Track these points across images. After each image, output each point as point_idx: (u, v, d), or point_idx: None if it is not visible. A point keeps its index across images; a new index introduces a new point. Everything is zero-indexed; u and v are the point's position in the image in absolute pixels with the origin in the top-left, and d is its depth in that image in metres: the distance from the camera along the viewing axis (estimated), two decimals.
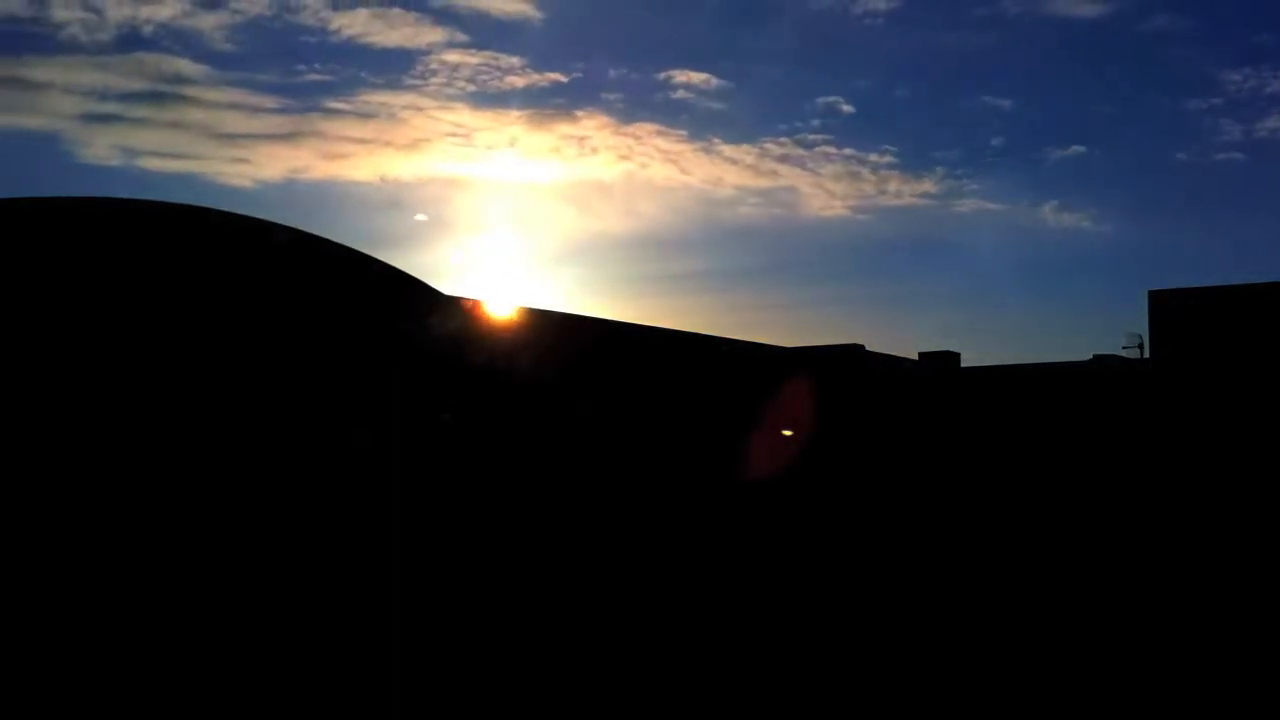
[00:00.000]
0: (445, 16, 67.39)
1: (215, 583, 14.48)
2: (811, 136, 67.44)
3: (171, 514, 14.88)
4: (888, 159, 69.98)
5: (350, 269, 18.72)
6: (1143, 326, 33.80)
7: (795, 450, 26.13)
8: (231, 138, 58.47)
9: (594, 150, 63.71)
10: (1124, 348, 34.93)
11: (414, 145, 62.36)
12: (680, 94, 64.93)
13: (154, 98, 57.16)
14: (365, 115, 62.03)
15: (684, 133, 69.49)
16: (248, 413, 16.02)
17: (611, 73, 67.10)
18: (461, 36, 64.26)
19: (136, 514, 14.65)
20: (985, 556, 25.82)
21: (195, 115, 60.24)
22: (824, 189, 66.45)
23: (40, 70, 54.76)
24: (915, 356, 35.42)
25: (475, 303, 20.75)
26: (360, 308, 18.36)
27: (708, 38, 65.72)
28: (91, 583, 13.74)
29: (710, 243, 68.50)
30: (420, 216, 59.44)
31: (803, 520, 25.05)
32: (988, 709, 12.53)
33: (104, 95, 58.69)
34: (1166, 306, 32.63)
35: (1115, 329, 62.74)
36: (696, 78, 64.94)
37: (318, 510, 16.18)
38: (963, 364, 35.66)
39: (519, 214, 61.36)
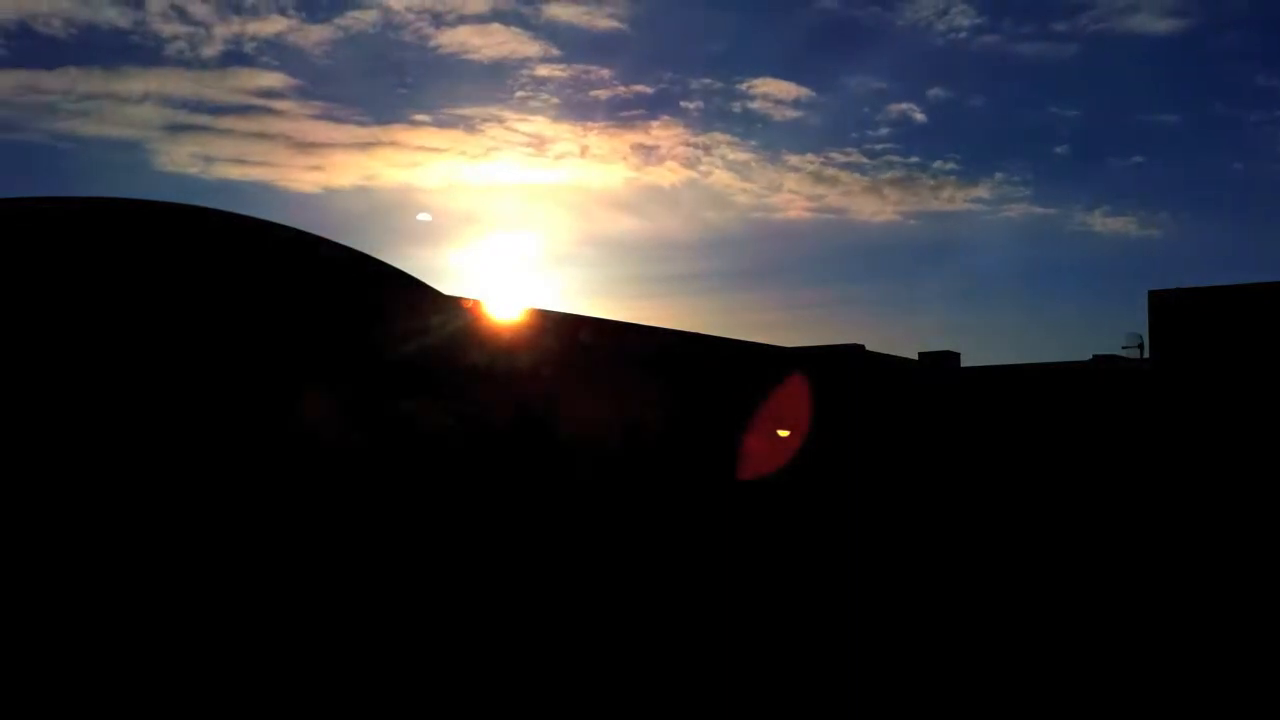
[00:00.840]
0: (543, 31, 68.18)
1: (213, 582, 14.50)
2: (879, 145, 68.06)
3: (170, 514, 14.89)
4: (950, 166, 70.49)
5: (350, 268, 18.74)
6: (1142, 326, 33.83)
7: (795, 450, 26.14)
8: (310, 146, 59.36)
9: (660, 159, 65.22)
10: (1124, 348, 34.94)
11: (485, 154, 62.83)
12: (759, 104, 65.59)
13: (241, 110, 57.87)
14: (445, 126, 63.68)
15: (755, 141, 70.09)
16: (247, 412, 16.03)
17: (694, 83, 67.70)
18: (555, 51, 64.94)
19: (135, 514, 14.65)
20: (985, 556, 25.82)
21: (279, 126, 61.27)
22: (879, 195, 67.47)
23: (136, 82, 55.49)
24: (915, 356, 35.44)
25: (475, 303, 20.75)
26: (359, 307, 18.37)
27: (796, 49, 67.01)
28: (95, 583, 13.75)
29: (744, 246, 69.17)
30: (423, 216, 59.63)
31: (802, 520, 25.05)
32: (989, 710, 12.53)
33: (195, 107, 61.15)
34: (1166, 306, 32.64)
35: (1115, 329, 63.31)
36: (777, 87, 65.33)
37: (316, 510, 16.18)
38: (963, 364, 35.68)
39: (575, 219, 63.02)
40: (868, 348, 32.47)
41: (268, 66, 58.56)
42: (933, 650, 15.36)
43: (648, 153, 65.86)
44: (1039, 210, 67.98)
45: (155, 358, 15.74)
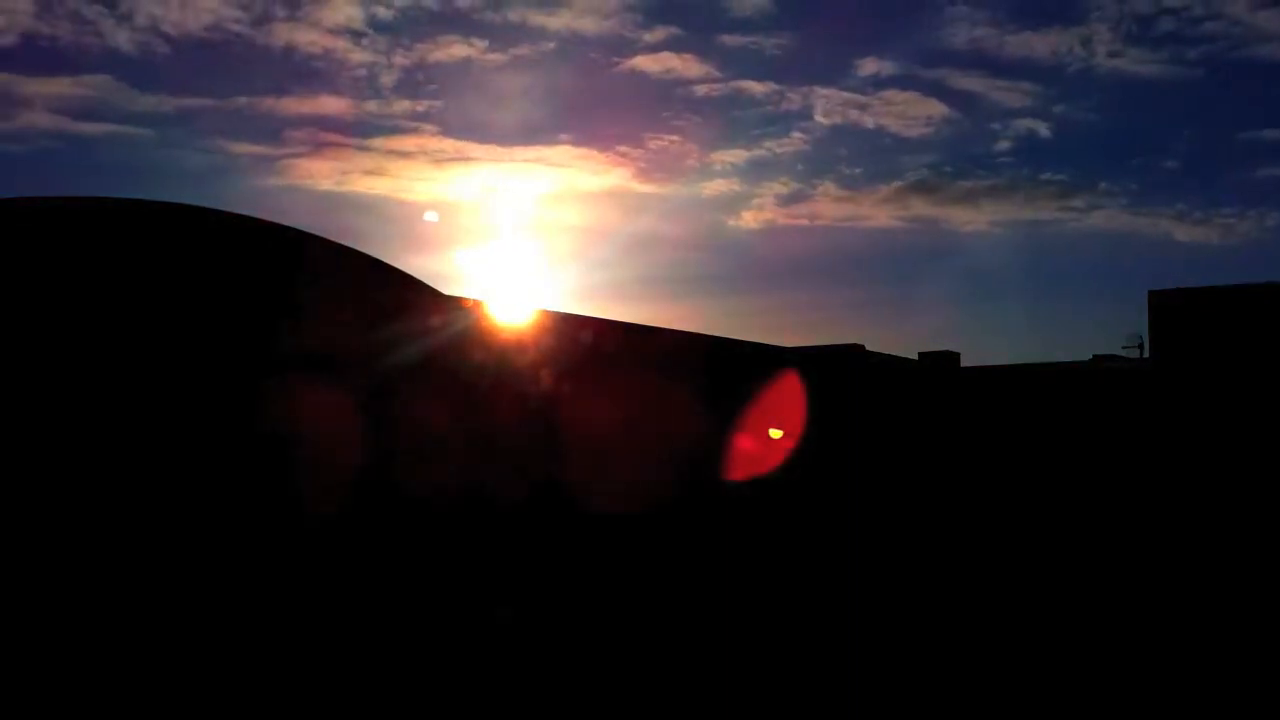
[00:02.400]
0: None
1: (213, 583, 14.46)
2: (1001, 159, 68.64)
3: (169, 515, 14.84)
4: (1059, 177, 71.03)
5: (350, 268, 18.67)
6: (1142, 326, 33.81)
7: (795, 450, 26.10)
8: (447, 162, 60.67)
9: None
10: (1124, 348, 34.93)
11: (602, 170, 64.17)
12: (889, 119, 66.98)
13: (390, 130, 60.17)
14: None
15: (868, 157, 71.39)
16: (247, 412, 15.98)
17: (834, 94, 68.20)
18: (714, 71, 65.95)
19: (135, 515, 14.60)
20: (985, 556, 25.81)
21: (423, 144, 62.31)
22: (976, 206, 68.16)
23: (298, 105, 57.79)
24: (915, 356, 35.40)
25: (477, 303, 20.71)
26: (360, 307, 18.31)
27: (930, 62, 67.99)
28: (98, 584, 13.72)
29: (831, 251, 69.26)
30: (430, 215, 59.87)
31: (802, 520, 25.03)
32: (989, 710, 12.51)
33: (345, 128, 63.36)
34: (1166, 306, 32.62)
35: (1115, 329, 63.61)
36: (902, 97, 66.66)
37: (317, 511, 16.14)
38: (963, 364, 35.65)
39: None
40: (867, 348, 32.45)
41: (432, 94, 60.52)
42: (933, 650, 15.35)
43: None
44: (1125, 217, 68.54)
45: (155, 357, 15.69)
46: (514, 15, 62.51)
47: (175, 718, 11.87)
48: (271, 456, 15.87)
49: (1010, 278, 68.28)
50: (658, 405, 22.46)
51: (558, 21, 62.27)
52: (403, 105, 64.41)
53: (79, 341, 15.06)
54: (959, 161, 68.87)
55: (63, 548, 13.75)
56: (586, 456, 20.23)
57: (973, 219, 67.78)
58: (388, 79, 60.97)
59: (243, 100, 62.04)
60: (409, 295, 19.28)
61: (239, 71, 60.52)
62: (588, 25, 62.62)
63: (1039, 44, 67.20)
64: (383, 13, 60.39)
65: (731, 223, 66.05)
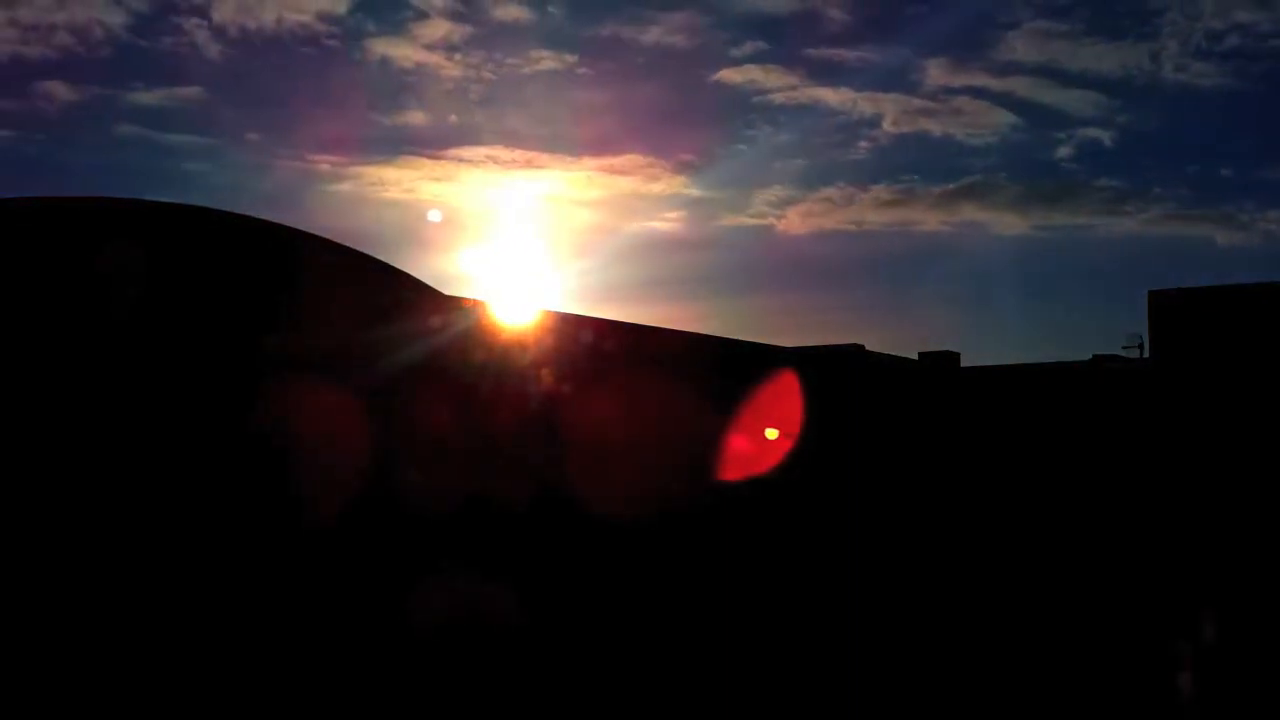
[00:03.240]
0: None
1: (213, 583, 14.44)
2: (1061, 165, 70.09)
3: (169, 515, 14.82)
4: (1113, 184, 71.98)
5: (349, 268, 18.66)
6: (1142, 326, 33.80)
7: (794, 450, 26.09)
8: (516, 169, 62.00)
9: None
10: (1124, 348, 34.92)
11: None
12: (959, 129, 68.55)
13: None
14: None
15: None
16: (243, 412, 15.96)
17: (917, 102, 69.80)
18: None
19: (131, 516, 14.58)
20: (985, 556, 25.79)
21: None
22: (1023, 212, 70.51)
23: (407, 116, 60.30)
24: (915, 356, 35.39)
25: (478, 303, 20.70)
26: (358, 306, 18.29)
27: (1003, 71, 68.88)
28: (102, 585, 13.70)
29: (883, 254, 70.05)
30: (434, 215, 60.62)
31: (802, 520, 25.01)
32: (990, 709, 12.50)
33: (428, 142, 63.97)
34: (1166, 306, 32.61)
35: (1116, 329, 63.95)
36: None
37: (317, 512, 16.12)
38: (963, 364, 35.64)
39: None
40: (867, 347, 32.45)
41: (512, 107, 63.26)
42: (934, 650, 15.34)
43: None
44: (1165, 224, 69.52)
45: (154, 357, 15.67)
46: (606, 30, 66.36)
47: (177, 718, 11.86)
48: (268, 458, 15.85)
49: (1038, 280, 70.09)
50: (661, 405, 22.47)
51: (649, 37, 64.62)
52: (482, 117, 67.07)
53: (78, 341, 15.04)
54: (1017, 168, 70.10)
55: (63, 548, 13.73)
56: (590, 457, 20.24)
57: (1016, 224, 68.86)
58: (473, 92, 62.49)
59: (328, 111, 65.18)
60: (408, 295, 19.26)
61: (329, 83, 63.25)
62: (679, 40, 64.45)
63: (1109, 56, 69.14)
64: (479, 30, 62.47)
65: (781, 227, 67.22)
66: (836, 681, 13.40)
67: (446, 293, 20.33)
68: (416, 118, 63.06)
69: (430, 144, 73.13)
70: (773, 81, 66.99)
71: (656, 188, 66.27)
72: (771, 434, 25.95)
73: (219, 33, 59.20)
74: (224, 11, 59.54)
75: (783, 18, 67.59)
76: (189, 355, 15.87)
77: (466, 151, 65.13)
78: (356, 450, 16.67)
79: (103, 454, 14.59)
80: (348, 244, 18.76)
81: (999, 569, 24.32)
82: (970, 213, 69.67)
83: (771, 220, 67.46)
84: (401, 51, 65.17)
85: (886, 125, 67.72)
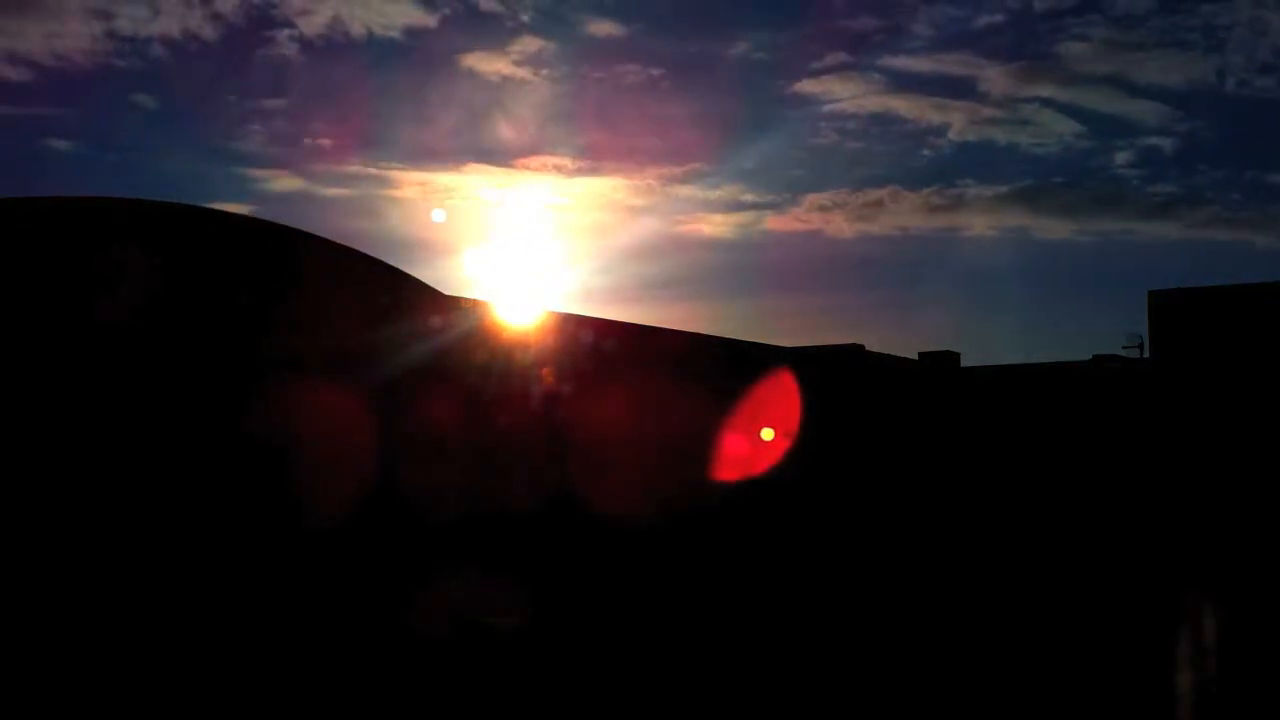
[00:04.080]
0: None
1: (214, 583, 14.45)
2: (1118, 172, 69.93)
3: (169, 517, 14.83)
4: (1166, 188, 72.01)
5: (351, 268, 18.67)
6: (1142, 326, 33.81)
7: (794, 450, 26.10)
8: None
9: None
10: (1124, 347, 34.92)
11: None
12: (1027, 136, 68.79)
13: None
14: None
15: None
16: (246, 412, 15.96)
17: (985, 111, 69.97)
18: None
19: (136, 514, 14.59)
20: (985, 556, 25.78)
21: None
22: (1065, 215, 69.83)
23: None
24: (915, 356, 35.39)
25: (478, 303, 20.72)
26: (359, 306, 18.30)
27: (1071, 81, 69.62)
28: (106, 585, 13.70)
29: (930, 254, 70.53)
30: (438, 215, 61.31)
31: (802, 520, 25.02)
32: (990, 709, 12.48)
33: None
34: (1166, 306, 32.62)
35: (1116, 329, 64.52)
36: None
37: (318, 513, 16.13)
38: (963, 364, 35.65)
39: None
40: (867, 348, 32.45)
41: (587, 118, 64.75)
42: (934, 650, 15.32)
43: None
44: (1206, 230, 69.31)
45: (154, 357, 15.67)
46: (693, 46, 67.20)
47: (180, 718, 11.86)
48: (270, 454, 15.86)
49: (1063, 282, 70.80)
50: (661, 405, 22.49)
51: (735, 50, 66.00)
52: (557, 128, 68.81)
53: (79, 341, 15.05)
54: (1073, 174, 71.00)
55: (65, 548, 13.74)
56: (589, 455, 20.29)
57: (1058, 228, 69.74)
58: (550, 104, 64.41)
59: (405, 122, 66.08)
60: (409, 295, 19.28)
61: (413, 94, 64.57)
62: (763, 54, 66.23)
63: (1175, 69, 69.88)
64: (568, 45, 63.95)
65: (829, 230, 68.35)
66: (837, 679, 13.41)
67: (453, 295, 20.39)
68: (493, 128, 64.45)
69: (501, 153, 74.87)
70: (847, 91, 68.70)
71: (715, 194, 68.73)
72: (767, 434, 25.95)
73: (306, 44, 61.22)
74: (312, 24, 61.39)
75: (866, 31, 68.82)
76: (193, 355, 15.88)
77: (535, 160, 66.30)
78: (360, 449, 16.70)
79: (104, 454, 14.59)
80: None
81: (999, 567, 24.32)
82: (1017, 217, 70.73)
83: (819, 225, 68.81)
84: (491, 65, 67.08)
85: (952, 133, 69.32)
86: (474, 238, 64.62)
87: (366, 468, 16.70)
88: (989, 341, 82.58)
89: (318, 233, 18.45)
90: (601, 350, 21.87)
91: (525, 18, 64.38)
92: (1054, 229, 69.36)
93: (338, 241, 18.95)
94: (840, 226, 67.39)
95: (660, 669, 13.75)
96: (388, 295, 18.85)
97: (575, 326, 22.12)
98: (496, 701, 12.15)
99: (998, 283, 69.49)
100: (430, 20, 61.65)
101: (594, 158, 73.50)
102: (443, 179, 62.82)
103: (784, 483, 25.17)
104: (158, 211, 16.84)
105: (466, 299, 20.57)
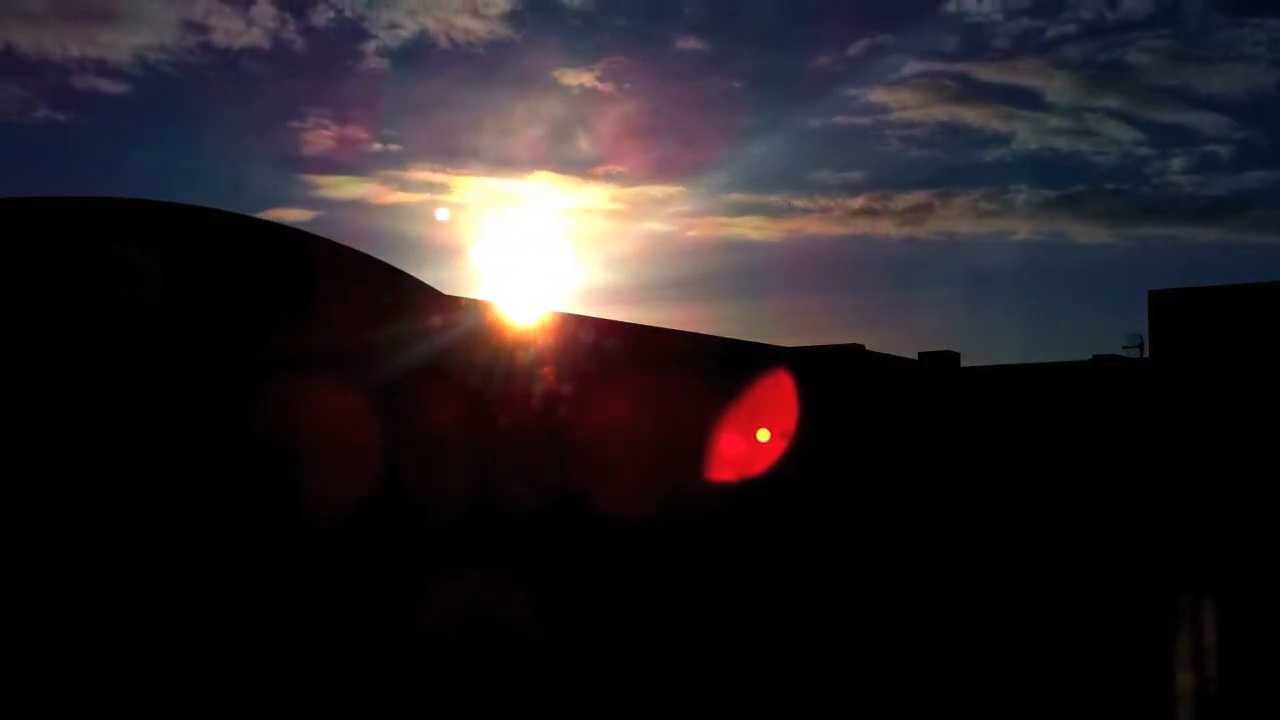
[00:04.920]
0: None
1: (215, 583, 14.43)
2: (1172, 179, 70.97)
3: (168, 518, 14.80)
4: (1214, 193, 73.14)
5: (352, 269, 18.65)
6: (1142, 326, 33.80)
7: (794, 449, 26.10)
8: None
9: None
10: (1124, 347, 34.92)
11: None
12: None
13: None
14: None
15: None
16: (245, 412, 15.95)
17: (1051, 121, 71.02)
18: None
19: (135, 517, 14.57)
20: (985, 556, 25.80)
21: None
22: (1109, 221, 70.93)
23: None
24: (915, 356, 35.38)
25: (478, 303, 20.69)
26: (360, 306, 18.28)
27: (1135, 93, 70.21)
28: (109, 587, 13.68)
29: (979, 258, 71.91)
30: (441, 214, 61.97)
31: (802, 520, 25.01)
32: (990, 709, 12.48)
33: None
34: (1166, 306, 32.63)
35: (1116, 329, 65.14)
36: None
37: (319, 514, 16.11)
38: (963, 364, 35.63)
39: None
40: (867, 347, 32.44)
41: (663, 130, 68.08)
42: (934, 650, 15.33)
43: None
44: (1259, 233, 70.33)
45: (155, 357, 15.65)
46: (773, 59, 69.82)
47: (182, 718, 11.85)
48: (272, 455, 15.84)
49: (1085, 284, 72.03)
50: (660, 404, 22.47)
51: (814, 64, 68.34)
52: (628, 141, 68.44)
53: (80, 341, 15.03)
54: (1126, 180, 71.74)
55: (67, 549, 13.72)
56: (595, 455, 20.28)
57: (1099, 233, 70.65)
58: (623, 116, 65.86)
59: (475, 132, 67.44)
60: (410, 296, 19.26)
61: (486, 104, 66.39)
62: (841, 66, 67.67)
63: (1237, 81, 70.66)
64: (653, 61, 66.52)
65: (870, 231, 69.87)
66: (837, 677, 13.41)
67: (454, 295, 20.36)
68: (567, 138, 66.32)
69: (573, 163, 77.39)
70: (917, 100, 69.71)
71: (771, 199, 70.42)
72: (763, 435, 25.95)
73: (393, 56, 63.29)
74: (395, 38, 63.15)
75: (945, 43, 71.29)
76: (193, 355, 15.86)
77: (604, 169, 67.91)
78: (363, 448, 16.68)
79: (107, 454, 14.57)
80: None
81: (999, 567, 24.32)
82: (1062, 223, 72.09)
83: (866, 229, 70.65)
84: (578, 80, 67.91)
85: (1015, 142, 71.51)
86: (531, 243, 66.09)
87: (369, 467, 16.68)
88: (1002, 341, 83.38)
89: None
90: (604, 350, 21.85)
91: (609, 34, 66.77)
92: (1095, 234, 70.49)
93: (339, 243, 18.97)
94: (887, 230, 69.35)
95: (662, 668, 13.74)
96: (389, 295, 18.83)
97: (577, 326, 22.10)
98: (498, 701, 12.14)
99: (1017, 284, 70.52)
100: (515, 35, 63.44)
101: (662, 167, 75.04)
102: (511, 185, 64.37)
103: (784, 482, 25.17)
104: (159, 212, 16.82)
105: (468, 299, 20.56)
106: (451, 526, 17.55)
